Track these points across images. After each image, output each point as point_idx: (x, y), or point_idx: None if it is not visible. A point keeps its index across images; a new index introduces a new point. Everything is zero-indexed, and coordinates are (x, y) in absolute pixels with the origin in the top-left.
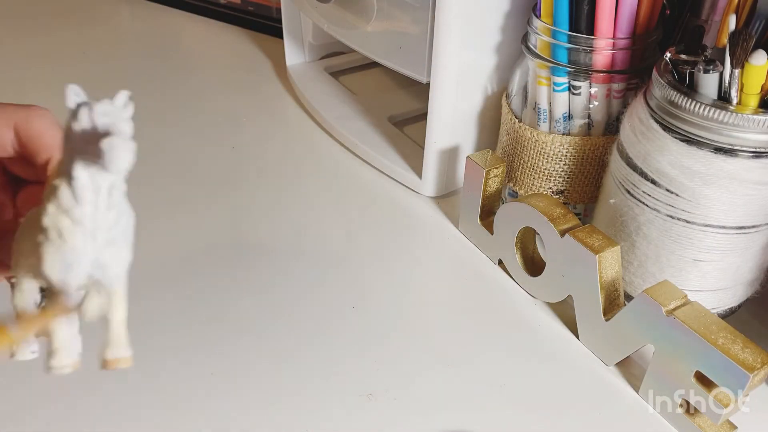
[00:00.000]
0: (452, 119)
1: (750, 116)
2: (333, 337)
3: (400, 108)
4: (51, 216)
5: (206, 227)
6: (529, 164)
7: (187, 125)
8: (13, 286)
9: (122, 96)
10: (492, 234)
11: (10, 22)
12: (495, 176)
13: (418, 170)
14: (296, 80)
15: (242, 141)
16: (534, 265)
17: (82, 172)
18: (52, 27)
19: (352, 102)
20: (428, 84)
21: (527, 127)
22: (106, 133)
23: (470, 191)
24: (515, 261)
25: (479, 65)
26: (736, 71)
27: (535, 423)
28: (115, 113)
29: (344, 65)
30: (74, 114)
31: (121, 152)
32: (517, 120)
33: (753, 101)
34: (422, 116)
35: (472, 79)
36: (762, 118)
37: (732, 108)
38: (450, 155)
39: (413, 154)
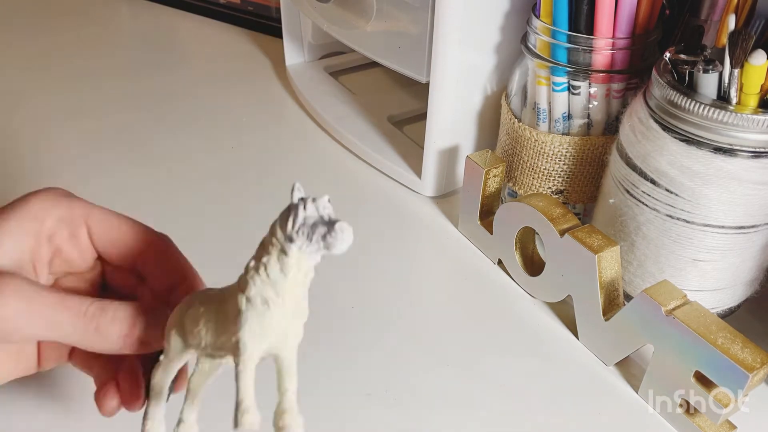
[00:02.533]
0: (452, 119)
1: (750, 116)
2: (332, 337)
3: (400, 108)
4: (258, 286)
5: (206, 226)
6: (528, 164)
7: (186, 125)
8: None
9: (326, 197)
10: (491, 234)
11: (8, 21)
12: (494, 176)
13: (417, 170)
14: (296, 80)
15: (241, 141)
16: (533, 265)
17: (296, 251)
18: (51, 26)
19: (351, 102)
20: (428, 84)
21: (527, 126)
22: (332, 221)
23: (470, 191)
24: (515, 261)
25: (479, 65)
26: (736, 71)
27: (534, 423)
28: (330, 207)
29: (344, 65)
30: (297, 206)
31: (348, 235)
32: (516, 120)
33: (752, 101)
34: (422, 116)
35: (472, 79)
36: (761, 117)
37: (732, 108)
38: (449, 155)
39: (413, 154)
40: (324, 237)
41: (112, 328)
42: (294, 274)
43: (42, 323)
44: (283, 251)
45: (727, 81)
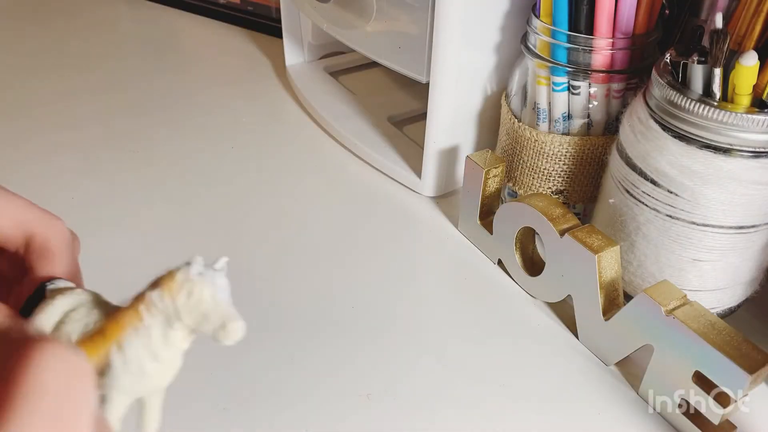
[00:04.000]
0: (452, 119)
1: (749, 116)
2: (332, 337)
3: (400, 108)
4: (136, 350)
5: (205, 226)
6: (528, 164)
7: (186, 125)
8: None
9: (222, 262)
10: (491, 234)
11: (9, 22)
12: (494, 176)
13: (417, 170)
14: (296, 80)
15: (241, 141)
16: (533, 265)
17: (183, 329)
18: (51, 27)
19: (351, 102)
20: (428, 84)
21: (527, 126)
22: (228, 311)
23: (470, 191)
24: (515, 261)
25: (479, 65)
26: (717, 70)
27: (534, 423)
28: (227, 290)
29: (344, 65)
30: (195, 285)
31: (240, 335)
32: (516, 120)
33: (745, 101)
34: (422, 116)
35: (472, 78)
36: (761, 117)
37: (731, 107)
38: (449, 155)
39: (413, 154)
40: (215, 332)
41: None
42: (178, 345)
43: None
44: (170, 324)
45: (712, 78)
